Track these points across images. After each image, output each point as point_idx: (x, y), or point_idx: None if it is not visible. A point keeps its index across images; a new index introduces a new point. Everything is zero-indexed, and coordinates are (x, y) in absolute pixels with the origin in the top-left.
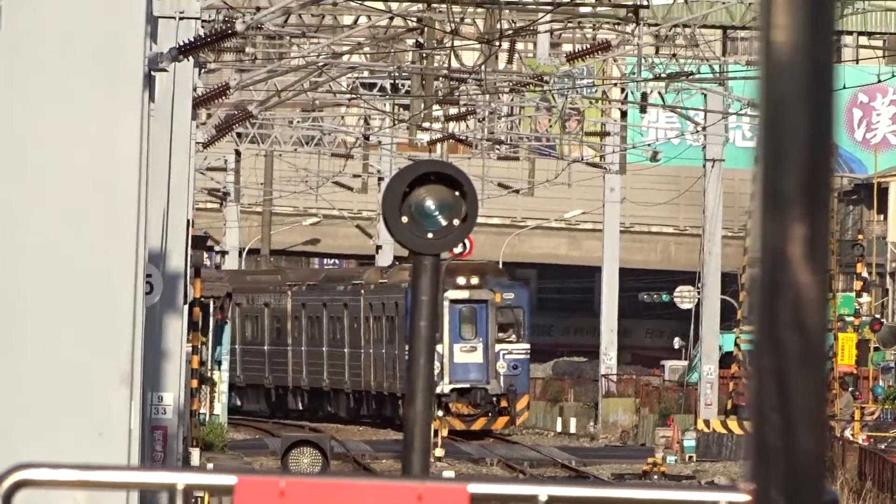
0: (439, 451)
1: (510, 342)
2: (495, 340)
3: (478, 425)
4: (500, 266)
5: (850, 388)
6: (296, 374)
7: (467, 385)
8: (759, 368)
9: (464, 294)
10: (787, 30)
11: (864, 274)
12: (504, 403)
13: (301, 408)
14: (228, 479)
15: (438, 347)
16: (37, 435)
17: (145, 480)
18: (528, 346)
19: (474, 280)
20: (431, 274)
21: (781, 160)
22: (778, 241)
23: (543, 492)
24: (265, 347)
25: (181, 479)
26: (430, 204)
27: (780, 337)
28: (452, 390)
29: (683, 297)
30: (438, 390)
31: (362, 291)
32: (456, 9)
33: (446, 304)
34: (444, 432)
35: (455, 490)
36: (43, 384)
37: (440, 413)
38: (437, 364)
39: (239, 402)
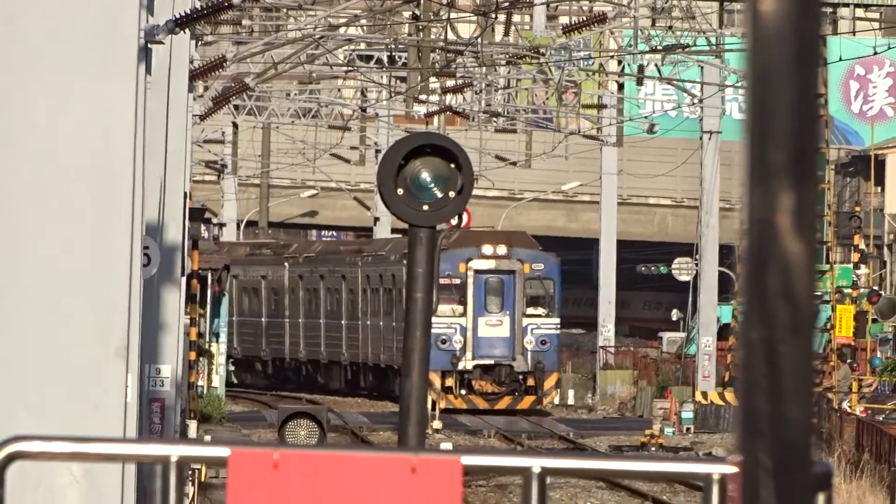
0: (437, 424)
1: (539, 316)
2: (523, 314)
3: (502, 404)
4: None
5: (848, 360)
6: (364, 349)
7: (492, 361)
8: (749, 338)
9: (490, 264)
10: None
11: (862, 246)
12: (531, 381)
13: (366, 385)
14: (222, 451)
15: (462, 321)
16: (32, 408)
17: (138, 452)
18: (558, 320)
19: (501, 249)
20: (427, 246)
21: (768, 130)
22: (766, 211)
23: (537, 464)
24: (343, 322)
25: (174, 451)
26: (425, 176)
27: (769, 306)
28: (476, 367)
29: (681, 268)
30: (461, 366)
31: (404, 262)
32: None
33: (471, 273)
34: (443, 404)
35: (448, 462)
36: (38, 357)
37: (462, 391)
38: (460, 338)
39: (322, 380)
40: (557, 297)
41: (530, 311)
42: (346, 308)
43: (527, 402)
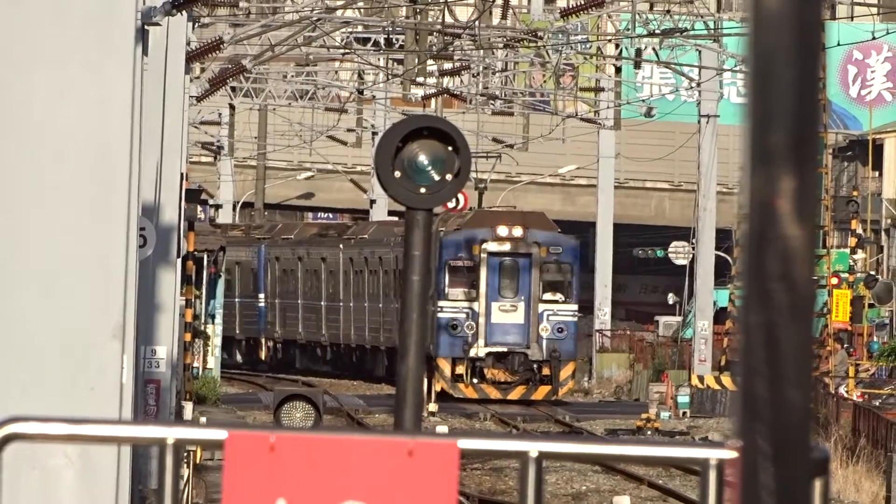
0: (433, 406)
1: (556, 302)
2: (539, 300)
3: (515, 394)
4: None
5: (845, 345)
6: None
7: (505, 349)
8: (748, 322)
9: (505, 246)
10: None
11: (859, 230)
12: (546, 371)
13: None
14: (219, 434)
15: (474, 305)
16: (28, 389)
17: (135, 435)
18: (575, 307)
19: (517, 231)
20: (424, 229)
21: (769, 114)
22: (766, 195)
23: (533, 447)
24: (380, 306)
25: (171, 433)
26: (422, 159)
27: (769, 290)
28: (488, 354)
29: (678, 252)
30: (472, 353)
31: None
32: None
33: (484, 256)
34: (438, 387)
35: (445, 445)
36: (35, 339)
37: (474, 380)
38: (471, 324)
39: (369, 366)
40: (575, 282)
41: (547, 296)
42: (384, 292)
43: (541, 392)
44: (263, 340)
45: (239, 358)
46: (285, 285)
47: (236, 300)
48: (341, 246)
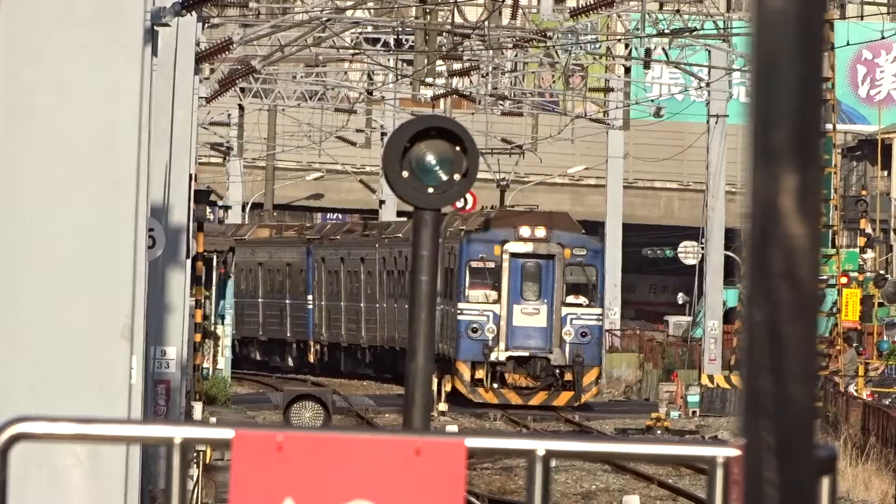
0: (443, 406)
1: (580, 305)
2: (562, 303)
3: (537, 400)
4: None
5: (854, 344)
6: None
7: (526, 353)
8: (752, 319)
9: (527, 247)
10: None
11: (868, 230)
12: (569, 376)
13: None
14: (226, 433)
15: (495, 308)
16: (36, 389)
17: (143, 434)
18: (600, 311)
19: (540, 232)
20: (432, 229)
21: (772, 112)
22: (769, 193)
23: (541, 446)
24: (407, 306)
25: (179, 432)
26: (430, 159)
27: (772, 288)
28: (509, 358)
29: (687, 252)
30: (493, 357)
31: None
32: None
33: (506, 257)
34: (448, 387)
35: (453, 444)
36: (43, 338)
37: (494, 385)
38: (493, 327)
39: (400, 368)
40: (600, 285)
41: (570, 299)
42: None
43: (563, 398)
44: (312, 343)
45: (290, 362)
46: (330, 287)
47: (286, 301)
48: (377, 246)
